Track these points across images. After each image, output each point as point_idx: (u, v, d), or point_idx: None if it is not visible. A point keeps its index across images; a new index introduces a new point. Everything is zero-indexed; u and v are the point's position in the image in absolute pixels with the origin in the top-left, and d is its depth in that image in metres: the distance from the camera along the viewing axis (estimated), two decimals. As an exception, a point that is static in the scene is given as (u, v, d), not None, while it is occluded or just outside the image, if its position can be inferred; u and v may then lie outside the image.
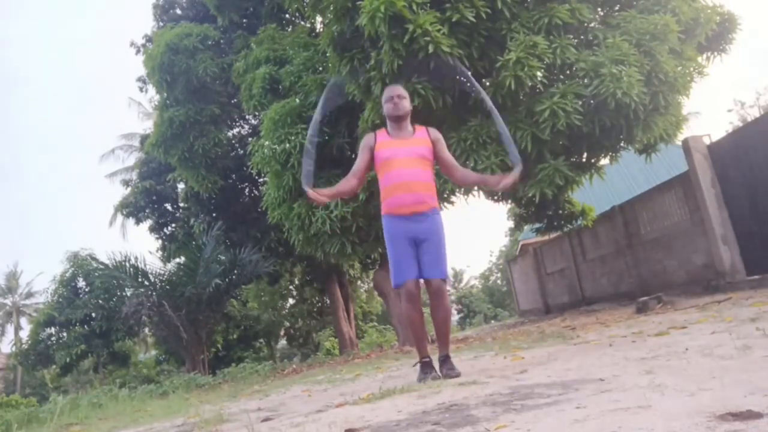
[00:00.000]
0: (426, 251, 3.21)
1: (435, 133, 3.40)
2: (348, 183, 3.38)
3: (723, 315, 3.99)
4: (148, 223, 15.92)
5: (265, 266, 12.57)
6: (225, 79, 11.69)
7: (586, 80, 6.34)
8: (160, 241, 15.93)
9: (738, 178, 7.29)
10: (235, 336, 21.01)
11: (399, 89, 3.43)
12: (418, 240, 3.21)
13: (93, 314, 15.40)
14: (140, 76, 16.05)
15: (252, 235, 13.52)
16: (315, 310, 21.22)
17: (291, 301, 22.65)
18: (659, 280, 9.27)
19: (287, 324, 23.26)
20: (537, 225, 11.41)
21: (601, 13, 7.44)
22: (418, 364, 3.30)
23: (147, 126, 20.74)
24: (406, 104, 3.36)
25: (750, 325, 3.09)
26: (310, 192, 3.20)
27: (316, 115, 3.78)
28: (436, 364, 3.28)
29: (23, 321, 35.90)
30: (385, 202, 3.29)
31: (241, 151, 13.68)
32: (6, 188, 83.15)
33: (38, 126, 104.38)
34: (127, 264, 12.11)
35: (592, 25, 7.13)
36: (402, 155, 3.24)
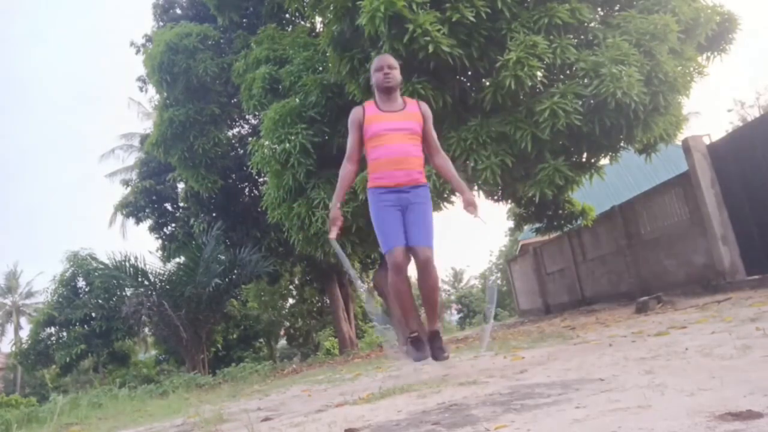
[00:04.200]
0: (413, 221, 3.11)
1: (425, 108, 3.29)
2: (347, 174, 3.26)
3: (723, 315, 3.98)
4: (148, 223, 15.92)
5: (265, 266, 12.58)
6: (225, 79, 11.69)
7: (586, 80, 6.34)
8: (160, 241, 15.94)
9: (738, 178, 7.28)
10: (235, 336, 21.01)
11: (389, 59, 3.26)
12: (405, 209, 3.12)
13: (93, 314, 15.38)
14: (140, 76, 16.08)
15: (252, 235, 13.53)
16: (315, 310, 21.23)
17: (291, 300, 22.67)
18: (659, 280, 9.26)
19: (287, 324, 23.27)
20: (537, 225, 11.42)
21: (601, 13, 7.44)
22: (409, 343, 3.14)
23: (147, 126, 20.67)
24: (397, 75, 3.22)
25: (750, 325, 3.09)
26: (334, 233, 3.19)
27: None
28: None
29: (23, 321, 35.93)
30: (372, 175, 3.18)
31: (241, 151, 13.69)
32: (6, 188, 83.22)
33: (38, 126, 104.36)
34: (127, 264, 12.12)
35: (592, 25, 7.13)
36: (392, 129, 3.12)
